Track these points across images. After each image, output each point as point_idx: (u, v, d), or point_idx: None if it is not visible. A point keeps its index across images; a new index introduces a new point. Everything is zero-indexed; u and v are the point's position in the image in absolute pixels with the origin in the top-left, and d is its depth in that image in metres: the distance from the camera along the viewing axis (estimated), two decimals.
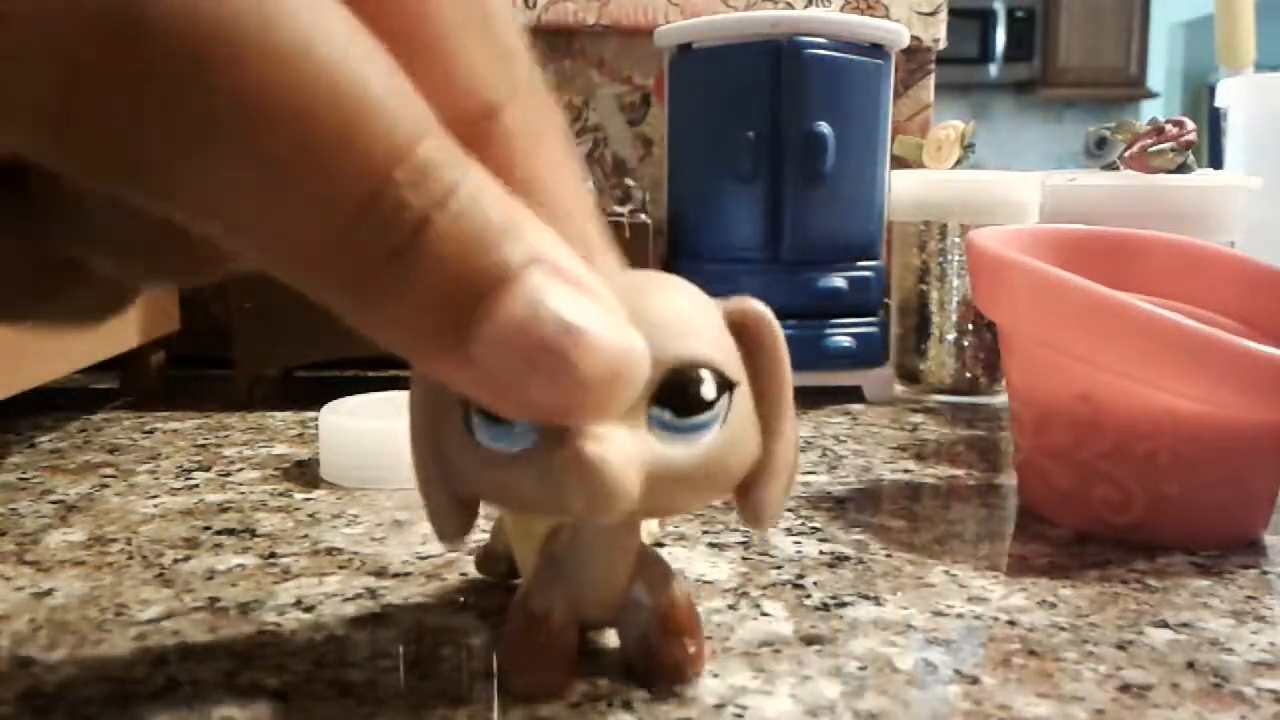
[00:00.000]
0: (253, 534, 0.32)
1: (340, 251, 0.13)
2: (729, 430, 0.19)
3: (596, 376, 0.15)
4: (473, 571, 0.29)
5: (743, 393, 0.20)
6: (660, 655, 0.22)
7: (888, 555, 0.31)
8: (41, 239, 0.16)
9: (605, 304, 0.15)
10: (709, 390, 0.19)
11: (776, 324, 0.20)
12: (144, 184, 0.13)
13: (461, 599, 0.27)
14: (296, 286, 0.14)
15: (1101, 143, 0.53)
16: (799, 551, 0.31)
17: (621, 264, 0.19)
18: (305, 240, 0.13)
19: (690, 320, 0.19)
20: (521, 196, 0.15)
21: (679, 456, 0.18)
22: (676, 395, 0.18)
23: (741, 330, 0.20)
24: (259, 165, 0.13)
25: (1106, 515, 0.32)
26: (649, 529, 0.25)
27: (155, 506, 0.34)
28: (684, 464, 0.18)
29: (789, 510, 0.34)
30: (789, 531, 0.32)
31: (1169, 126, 0.51)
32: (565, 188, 0.17)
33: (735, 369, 0.19)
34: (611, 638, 0.24)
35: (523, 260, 0.14)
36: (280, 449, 0.42)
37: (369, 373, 0.57)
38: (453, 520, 0.20)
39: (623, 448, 0.17)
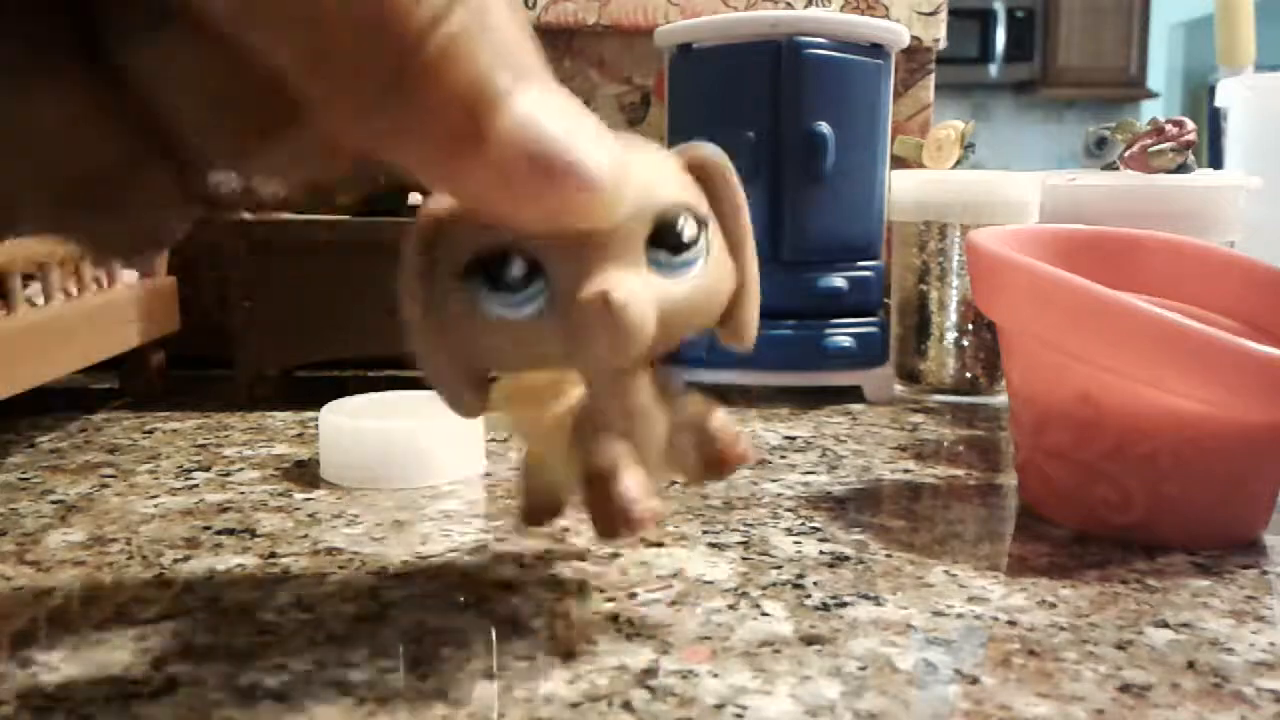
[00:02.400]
0: (253, 534, 0.32)
1: (360, 67, 0.15)
2: (712, 262, 0.22)
3: (599, 177, 0.17)
4: (472, 571, 0.29)
5: (714, 229, 0.22)
6: (724, 449, 0.24)
7: (888, 555, 0.31)
8: (123, 105, 0.16)
9: (591, 123, 0.17)
10: (691, 228, 0.21)
11: (728, 161, 0.23)
12: None
13: (461, 599, 0.27)
14: (331, 112, 0.16)
15: (1101, 143, 0.53)
16: (799, 551, 0.31)
17: None
18: (335, 55, 0.15)
19: (661, 171, 0.22)
20: None
21: (680, 290, 0.21)
22: (667, 236, 0.21)
23: (699, 174, 0.23)
24: None
25: (1106, 515, 0.32)
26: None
27: (155, 506, 0.34)
28: (684, 295, 0.21)
29: (789, 510, 0.35)
30: (789, 531, 0.32)
31: (1169, 126, 0.51)
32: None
33: (704, 208, 0.22)
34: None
35: (514, 81, 0.16)
36: (280, 449, 0.42)
37: (369, 373, 0.57)
38: (470, 391, 0.22)
39: (638, 288, 0.20)
